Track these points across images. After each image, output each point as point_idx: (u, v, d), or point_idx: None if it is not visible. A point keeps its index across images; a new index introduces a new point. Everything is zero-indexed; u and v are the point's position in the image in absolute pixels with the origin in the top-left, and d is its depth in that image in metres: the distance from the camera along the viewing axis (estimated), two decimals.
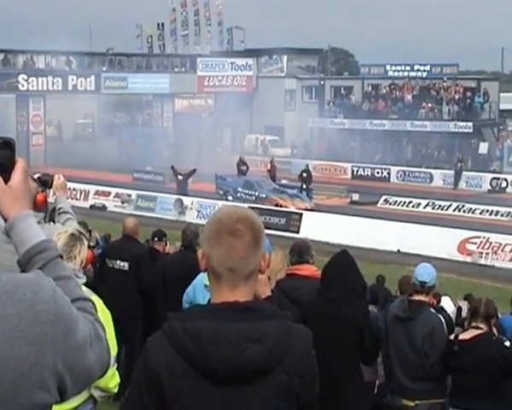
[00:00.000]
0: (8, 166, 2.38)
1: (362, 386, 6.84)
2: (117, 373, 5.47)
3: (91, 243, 13.64)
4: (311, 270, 7.14)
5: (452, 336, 7.29)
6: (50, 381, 2.10)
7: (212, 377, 2.59)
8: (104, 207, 38.99)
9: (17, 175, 2.40)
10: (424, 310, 7.35)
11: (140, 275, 10.50)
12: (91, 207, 38.30)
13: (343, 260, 6.73)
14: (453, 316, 10.86)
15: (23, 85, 56.33)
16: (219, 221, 2.74)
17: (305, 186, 41.99)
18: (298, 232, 31.07)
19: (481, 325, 7.07)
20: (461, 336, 7.17)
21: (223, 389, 2.60)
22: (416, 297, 7.42)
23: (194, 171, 39.80)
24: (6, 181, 2.37)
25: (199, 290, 8.18)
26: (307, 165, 44.78)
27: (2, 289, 2.06)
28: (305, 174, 42.89)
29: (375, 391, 9.31)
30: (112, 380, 5.31)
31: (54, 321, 2.10)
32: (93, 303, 2.38)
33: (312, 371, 2.75)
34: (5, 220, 2.38)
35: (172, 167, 40.29)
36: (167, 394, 2.62)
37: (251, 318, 2.64)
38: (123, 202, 39.62)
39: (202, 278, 8.15)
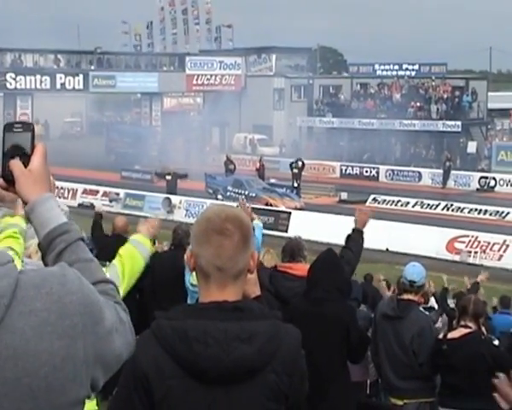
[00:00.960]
0: (28, 149, 2.37)
1: (349, 385, 6.82)
2: None
3: None
4: (303, 269, 7.11)
5: (441, 335, 7.30)
6: (83, 373, 2.09)
7: (200, 376, 2.58)
8: (92, 206, 38.81)
9: (37, 158, 2.38)
10: (413, 309, 7.36)
11: None
12: (79, 205, 38.19)
13: (328, 260, 6.72)
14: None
15: (11, 84, 56.23)
16: (208, 220, 2.73)
17: (296, 184, 41.97)
18: (286, 231, 31.06)
19: (470, 324, 7.08)
20: (449, 335, 7.17)
21: (211, 388, 2.59)
22: (405, 296, 7.43)
23: (186, 176, 39.92)
24: (26, 165, 2.36)
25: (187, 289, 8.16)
26: (299, 159, 44.61)
27: (29, 284, 2.05)
28: (296, 170, 42.92)
29: (368, 391, 9.33)
30: None
31: (82, 312, 2.09)
32: (115, 286, 2.36)
33: (301, 370, 2.75)
34: (25, 204, 2.35)
35: (156, 173, 40.42)
36: (155, 393, 2.61)
37: (240, 317, 2.63)
38: (111, 201, 39.55)
39: (188, 278, 8.13)
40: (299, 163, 43.59)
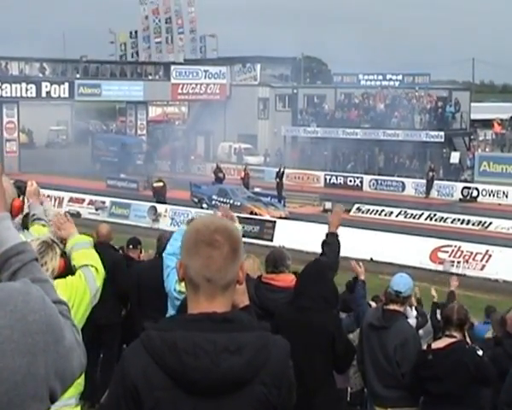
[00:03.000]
0: None
1: (335, 394, 6.84)
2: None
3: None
4: (286, 280, 7.10)
5: (425, 346, 7.29)
6: (43, 390, 2.10)
7: (189, 388, 2.57)
8: (78, 215, 38.78)
9: None
10: (398, 320, 7.36)
11: (116, 281, 10.44)
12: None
13: (315, 269, 6.73)
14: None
15: None
16: (197, 231, 2.72)
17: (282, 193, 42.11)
18: (271, 240, 31.13)
19: (455, 334, 7.07)
20: (434, 345, 7.16)
21: (200, 400, 2.58)
22: (391, 307, 7.43)
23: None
24: None
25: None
26: (281, 169, 44.86)
27: None
28: (278, 179, 43.10)
29: (348, 399, 9.34)
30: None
31: (45, 330, 2.10)
32: (68, 307, 2.36)
33: (290, 382, 2.75)
34: None
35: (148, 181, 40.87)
36: (144, 404, 2.59)
37: (229, 329, 2.62)
38: (97, 209, 39.51)
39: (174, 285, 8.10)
40: (282, 170, 43.74)
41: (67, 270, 5.16)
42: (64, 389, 2.20)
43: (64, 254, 5.29)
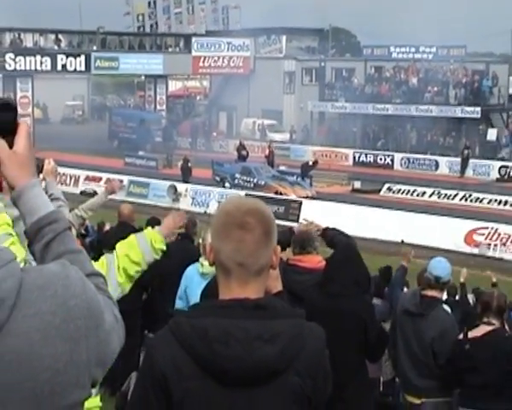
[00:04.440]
0: (10, 129, 2.33)
1: (367, 384, 6.83)
2: None
3: (83, 232, 13.67)
4: (313, 262, 7.08)
5: (461, 336, 7.21)
6: (85, 377, 2.11)
7: (221, 378, 2.56)
8: (95, 194, 38.82)
9: (21, 140, 2.35)
10: (436, 307, 7.30)
11: None
12: (81, 193, 38.20)
13: (346, 253, 6.70)
14: None
15: (10, 65, 56.07)
16: (227, 214, 2.69)
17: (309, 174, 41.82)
18: (297, 221, 31.03)
19: (493, 321, 7.02)
20: (471, 334, 7.09)
21: (232, 390, 2.57)
22: (429, 292, 7.37)
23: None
24: (10, 146, 2.33)
25: (192, 281, 8.15)
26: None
27: (33, 285, 2.05)
28: (310, 163, 42.85)
29: (381, 388, 9.33)
30: None
31: (86, 315, 2.11)
32: (104, 279, 2.37)
33: (325, 372, 2.74)
34: (12, 188, 2.34)
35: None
36: (173, 394, 2.59)
37: (262, 316, 2.61)
38: None
39: (196, 267, 8.13)
40: (310, 162, 43.24)
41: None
42: (104, 371, 2.21)
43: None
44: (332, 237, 7.31)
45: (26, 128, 2.37)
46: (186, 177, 40.02)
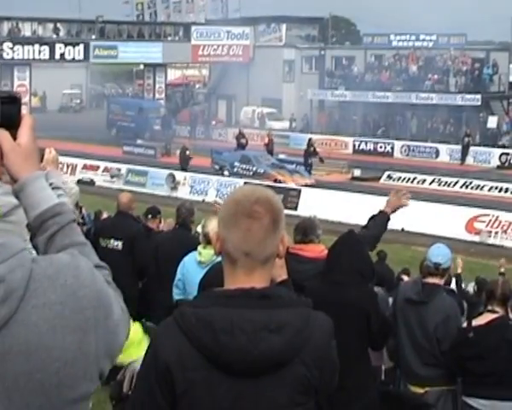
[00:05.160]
0: (14, 121, 2.31)
1: (370, 373, 6.76)
2: None
3: (79, 221, 13.58)
4: (315, 251, 7.01)
5: (465, 324, 7.19)
6: (93, 369, 2.11)
7: (226, 368, 2.55)
8: (92, 182, 38.87)
9: (25, 132, 2.33)
10: (438, 294, 7.25)
11: (134, 254, 10.38)
12: (79, 181, 38.16)
13: (349, 241, 6.61)
14: None
15: (8, 54, 56.00)
16: (237, 203, 2.68)
17: (310, 161, 41.60)
18: (296, 209, 30.99)
19: (497, 309, 7.00)
20: (475, 322, 7.08)
21: (237, 381, 2.55)
22: (430, 280, 7.31)
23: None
24: (14, 138, 2.31)
25: (189, 270, 8.10)
26: (310, 139, 44.33)
27: (42, 275, 2.04)
28: (311, 148, 42.60)
29: (382, 377, 9.24)
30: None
31: (95, 306, 2.11)
32: (109, 271, 2.37)
33: (332, 363, 2.72)
34: (15, 181, 2.32)
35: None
36: (178, 385, 2.57)
37: (268, 306, 2.59)
38: (112, 177, 39.60)
39: (194, 256, 8.08)
40: (311, 148, 42.96)
41: None
42: (112, 363, 2.21)
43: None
44: (370, 222, 7.26)
45: (30, 121, 2.36)
46: (185, 165, 39.94)
